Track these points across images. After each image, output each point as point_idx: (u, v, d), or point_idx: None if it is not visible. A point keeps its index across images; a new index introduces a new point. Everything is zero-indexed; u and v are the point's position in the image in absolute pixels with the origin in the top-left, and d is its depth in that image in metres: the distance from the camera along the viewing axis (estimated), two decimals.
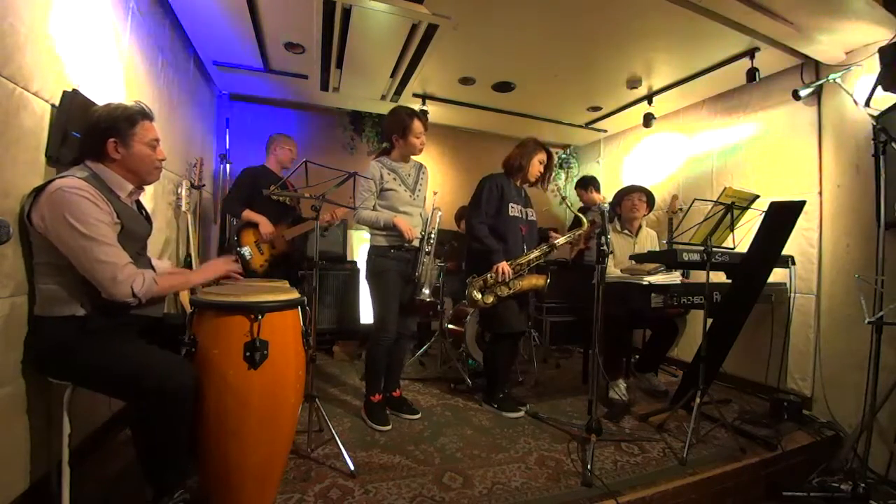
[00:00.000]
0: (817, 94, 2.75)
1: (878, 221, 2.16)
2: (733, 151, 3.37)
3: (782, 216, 2.26)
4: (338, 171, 2.04)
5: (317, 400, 1.99)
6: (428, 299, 3.46)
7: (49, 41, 1.49)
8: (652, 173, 4.15)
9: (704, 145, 3.62)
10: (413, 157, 2.48)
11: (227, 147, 4.01)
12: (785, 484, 1.99)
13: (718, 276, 2.71)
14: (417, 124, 2.34)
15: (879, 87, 2.08)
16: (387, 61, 3.23)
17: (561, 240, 2.58)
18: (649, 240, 3.19)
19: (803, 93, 2.56)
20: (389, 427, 2.26)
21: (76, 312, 1.34)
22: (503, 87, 3.62)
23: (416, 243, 2.37)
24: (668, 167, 4.00)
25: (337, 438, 1.88)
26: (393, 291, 2.33)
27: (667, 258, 2.58)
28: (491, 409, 2.58)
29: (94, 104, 1.57)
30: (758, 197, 2.29)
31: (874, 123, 2.13)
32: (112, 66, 1.97)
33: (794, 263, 2.80)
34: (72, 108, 1.53)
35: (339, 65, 3.29)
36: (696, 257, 2.38)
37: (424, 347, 3.64)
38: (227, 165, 3.92)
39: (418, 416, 2.43)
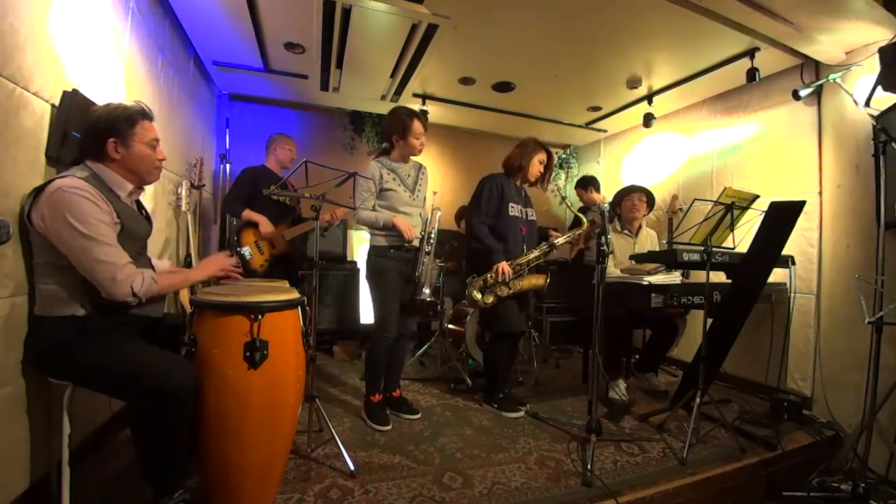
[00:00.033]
0: (817, 94, 2.75)
1: (878, 221, 2.16)
2: (733, 151, 3.37)
3: (782, 216, 2.26)
4: (338, 171, 2.04)
5: (317, 400, 1.99)
6: (428, 299, 3.46)
7: (49, 41, 1.49)
8: (652, 173, 4.15)
9: (704, 145, 3.62)
10: (413, 158, 2.48)
11: (227, 147, 4.01)
12: (785, 484, 1.99)
13: (718, 276, 2.71)
14: (417, 125, 2.34)
15: (879, 87, 2.08)
16: (387, 61, 3.23)
17: (560, 239, 2.58)
18: (649, 240, 3.19)
19: (803, 93, 2.57)
20: (389, 427, 2.26)
21: (76, 312, 1.34)
22: (503, 87, 3.62)
23: (415, 243, 2.37)
24: (668, 167, 4.00)
25: (337, 438, 1.88)
26: (393, 291, 2.33)
27: (667, 258, 2.58)
28: (491, 409, 2.58)
29: (94, 104, 1.57)
30: (758, 197, 2.29)
31: (874, 123, 2.13)
32: (112, 66, 1.97)
33: (794, 263, 2.80)
34: (72, 108, 1.53)
35: (339, 65, 3.29)
36: (696, 257, 2.38)
37: (424, 347, 3.64)
38: (227, 165, 3.92)
39: (418, 416, 2.43)
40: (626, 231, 3.12)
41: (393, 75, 3.45)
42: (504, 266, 2.40)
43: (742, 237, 2.37)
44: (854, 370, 2.27)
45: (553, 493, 1.74)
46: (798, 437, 2.34)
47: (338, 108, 4.40)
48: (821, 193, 2.77)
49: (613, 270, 2.85)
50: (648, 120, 3.72)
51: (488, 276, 2.44)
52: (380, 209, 2.35)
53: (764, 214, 2.26)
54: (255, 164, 3.08)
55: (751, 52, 2.75)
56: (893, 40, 2.10)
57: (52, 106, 1.49)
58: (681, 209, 3.54)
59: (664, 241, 3.41)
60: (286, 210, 3.02)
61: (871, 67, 2.26)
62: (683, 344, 3.16)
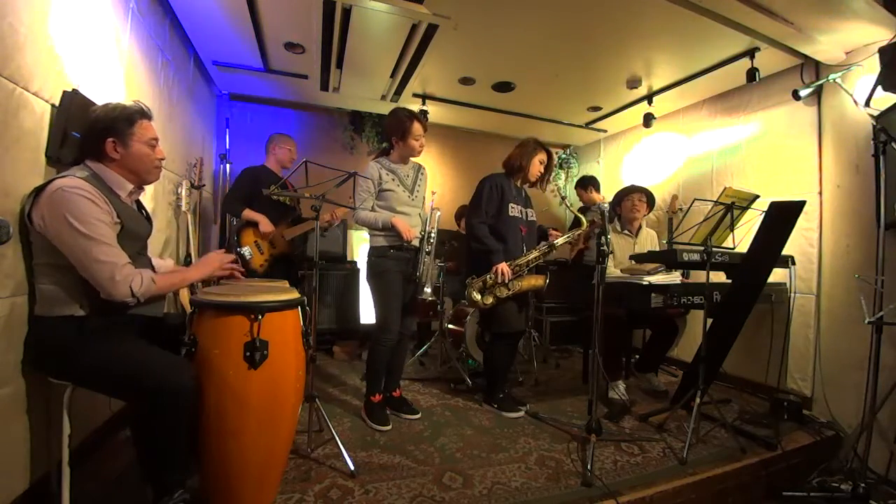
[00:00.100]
0: (817, 94, 2.75)
1: (878, 222, 2.16)
2: (733, 151, 3.37)
3: (782, 216, 2.26)
4: (338, 171, 2.04)
5: (317, 400, 1.99)
6: (429, 298, 3.46)
7: (49, 41, 1.49)
8: (652, 173, 4.15)
9: (704, 145, 3.62)
10: (412, 158, 2.48)
11: (227, 147, 4.01)
12: (785, 484, 1.99)
13: (718, 276, 2.71)
14: (417, 127, 2.34)
15: (879, 87, 2.09)
16: (387, 61, 3.23)
17: (560, 240, 2.57)
18: (649, 240, 3.19)
19: (803, 93, 2.57)
20: (389, 427, 2.26)
21: (76, 312, 1.34)
22: (503, 87, 3.61)
23: (415, 243, 2.37)
24: (667, 167, 4.00)
25: (337, 438, 1.88)
26: (394, 291, 2.33)
27: (667, 258, 2.58)
28: (491, 409, 2.58)
29: (93, 104, 1.57)
30: (758, 197, 2.29)
31: (874, 123, 2.13)
32: (112, 66, 1.97)
33: (794, 263, 2.79)
34: (72, 108, 1.53)
35: (339, 65, 3.29)
36: (696, 257, 2.38)
37: (424, 347, 3.64)
38: (227, 165, 3.92)
39: (418, 416, 2.43)
40: (626, 231, 3.12)
41: (393, 75, 3.45)
42: (503, 267, 2.40)
43: (742, 237, 2.37)
44: (854, 370, 2.27)
45: (553, 493, 1.73)
46: (798, 437, 2.34)
47: (338, 108, 4.40)
48: (821, 193, 2.77)
49: (613, 270, 2.86)
50: (648, 120, 3.72)
51: (488, 276, 2.44)
52: (379, 209, 2.35)
53: (764, 214, 2.25)
54: (255, 164, 3.08)
55: (751, 52, 2.75)
56: (893, 40, 2.10)
57: (52, 106, 1.49)
58: (681, 209, 3.54)
59: (664, 241, 3.41)
60: (286, 210, 3.02)
61: (871, 67, 2.26)
62: (683, 344, 3.16)
